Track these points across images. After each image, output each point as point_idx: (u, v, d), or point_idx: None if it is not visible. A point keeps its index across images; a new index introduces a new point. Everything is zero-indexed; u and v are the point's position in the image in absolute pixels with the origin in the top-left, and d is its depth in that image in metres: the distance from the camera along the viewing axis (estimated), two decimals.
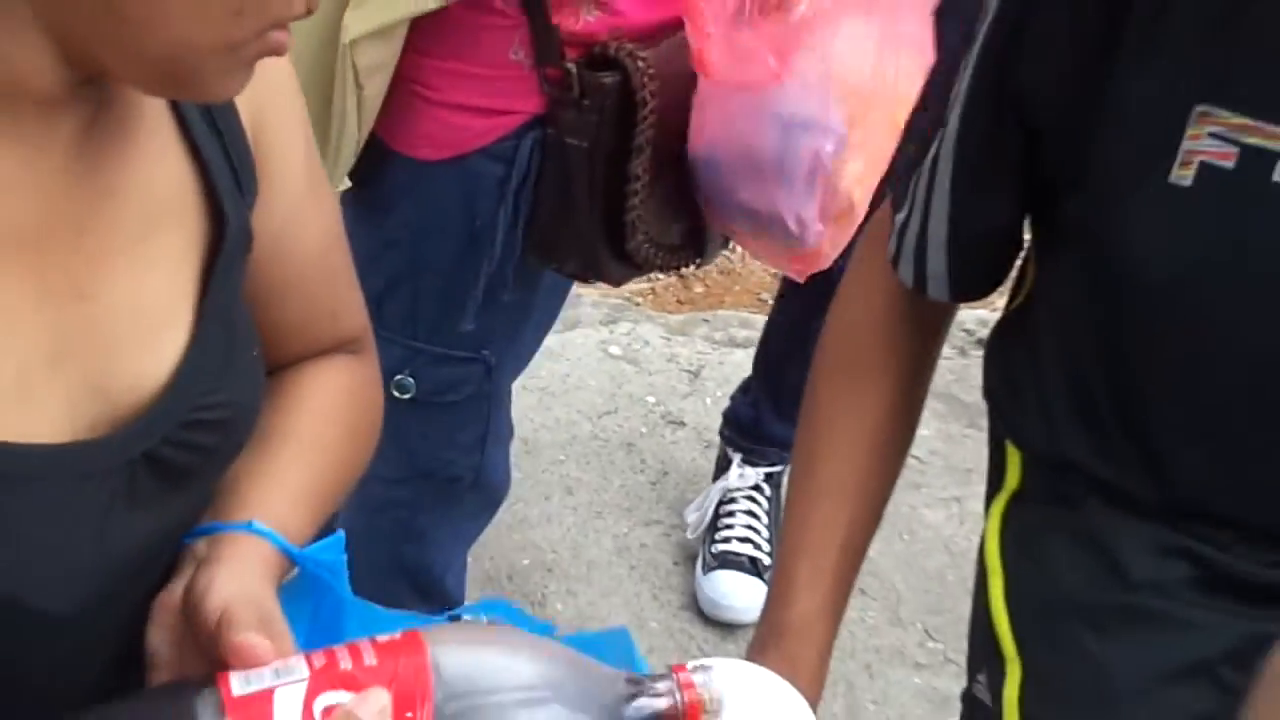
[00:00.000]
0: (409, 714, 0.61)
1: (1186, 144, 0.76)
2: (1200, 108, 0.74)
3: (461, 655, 0.65)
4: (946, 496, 1.70)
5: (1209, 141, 0.76)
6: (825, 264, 1.16)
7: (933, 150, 0.85)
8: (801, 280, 1.23)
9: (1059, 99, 0.80)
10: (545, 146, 1.10)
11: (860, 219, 1.13)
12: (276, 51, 0.62)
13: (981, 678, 0.92)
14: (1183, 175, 0.76)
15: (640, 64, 1.06)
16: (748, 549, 1.68)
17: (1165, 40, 0.75)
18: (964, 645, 0.95)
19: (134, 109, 0.68)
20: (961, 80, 0.84)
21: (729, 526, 1.69)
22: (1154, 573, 0.85)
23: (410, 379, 1.11)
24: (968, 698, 0.94)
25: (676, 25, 1.10)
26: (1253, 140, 0.75)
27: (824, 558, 0.92)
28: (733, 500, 1.68)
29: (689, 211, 1.15)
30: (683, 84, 1.10)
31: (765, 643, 0.90)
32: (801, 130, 1.11)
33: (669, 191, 1.12)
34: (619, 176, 1.09)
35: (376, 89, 1.04)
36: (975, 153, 0.85)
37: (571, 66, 1.06)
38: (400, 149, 1.09)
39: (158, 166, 0.69)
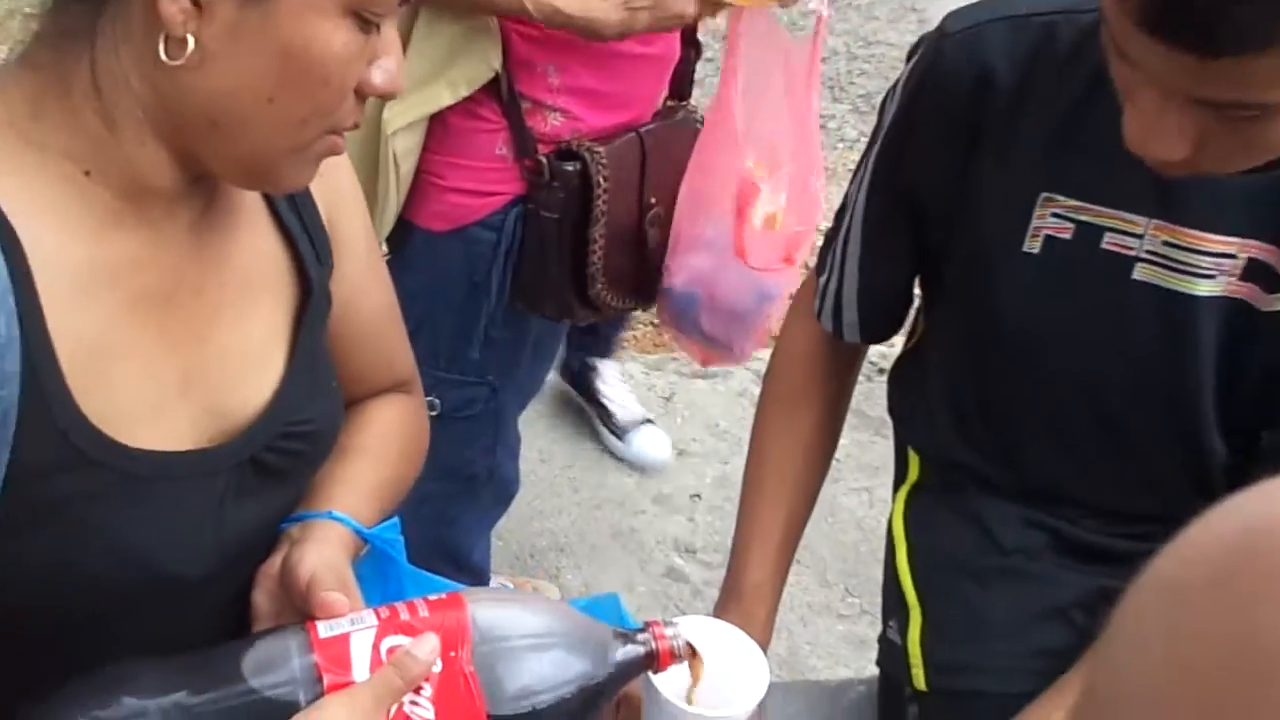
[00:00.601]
0: (452, 653, 0.74)
1: (1035, 222, 0.92)
2: (1045, 194, 0.91)
3: (491, 610, 0.79)
4: (859, 487, 2.03)
5: (1051, 220, 0.92)
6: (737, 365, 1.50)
7: (843, 228, 1.03)
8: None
9: (939, 190, 0.97)
10: (526, 219, 1.33)
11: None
12: (334, 152, 0.78)
13: (893, 623, 1.08)
14: (1033, 246, 0.93)
15: (596, 156, 1.29)
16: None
17: (1016, 145, 0.92)
18: (877, 600, 1.13)
19: (236, 199, 0.83)
20: (864, 174, 1.01)
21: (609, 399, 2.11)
22: (1019, 541, 1.02)
23: (436, 400, 1.29)
24: (882, 639, 1.09)
25: (624, 128, 1.32)
26: (1085, 218, 0.91)
27: (770, 540, 1.08)
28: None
29: (636, 271, 1.37)
30: (629, 172, 1.31)
31: (726, 603, 1.06)
32: (771, 299, 1.38)
33: (621, 253, 1.34)
34: (582, 241, 1.31)
35: (408, 169, 1.27)
36: (876, 232, 1.01)
37: (544, 159, 1.28)
38: (418, 223, 1.32)
39: (256, 243, 0.85)
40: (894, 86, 0.97)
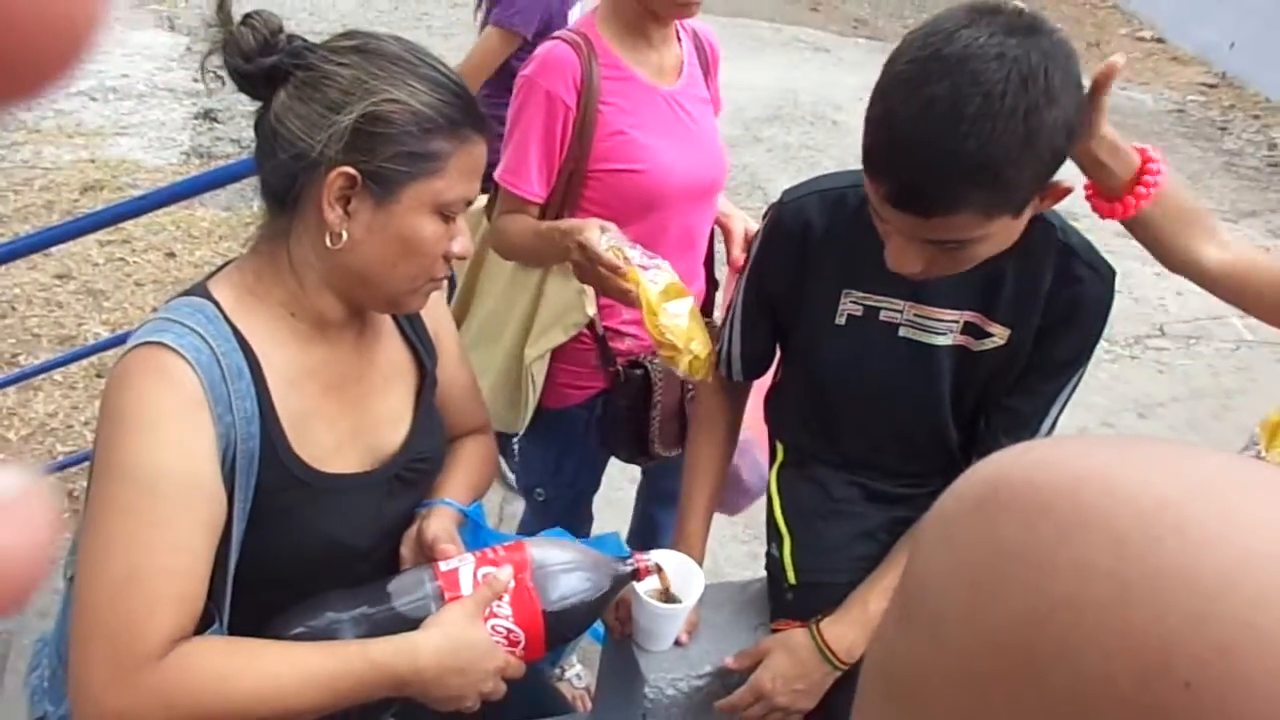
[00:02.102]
0: (520, 576, 1.03)
1: (840, 305, 1.24)
2: (845, 289, 1.23)
3: (540, 550, 1.08)
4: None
5: (849, 304, 1.24)
6: None
7: (729, 316, 1.35)
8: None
9: (783, 293, 1.28)
10: (608, 404, 1.73)
11: None
12: (436, 288, 1.07)
13: (774, 545, 1.38)
14: (840, 320, 1.25)
15: (653, 365, 1.68)
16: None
17: (827, 263, 1.23)
18: (763, 531, 1.42)
19: (379, 322, 1.12)
20: (741, 284, 1.33)
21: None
22: (843, 493, 1.34)
23: (541, 490, 1.80)
24: (768, 555, 1.40)
25: None
26: (869, 302, 1.23)
27: (700, 504, 1.40)
28: None
29: (680, 433, 1.75)
30: (676, 375, 1.60)
31: (677, 542, 1.38)
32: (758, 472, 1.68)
33: (671, 424, 1.74)
34: (645, 420, 1.70)
35: (540, 378, 1.66)
36: (749, 320, 1.34)
37: (620, 367, 1.69)
38: (544, 405, 1.72)
39: (392, 348, 1.14)
40: (757, 234, 1.32)
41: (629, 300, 1.39)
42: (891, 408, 1.28)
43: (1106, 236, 4.45)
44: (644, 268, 1.37)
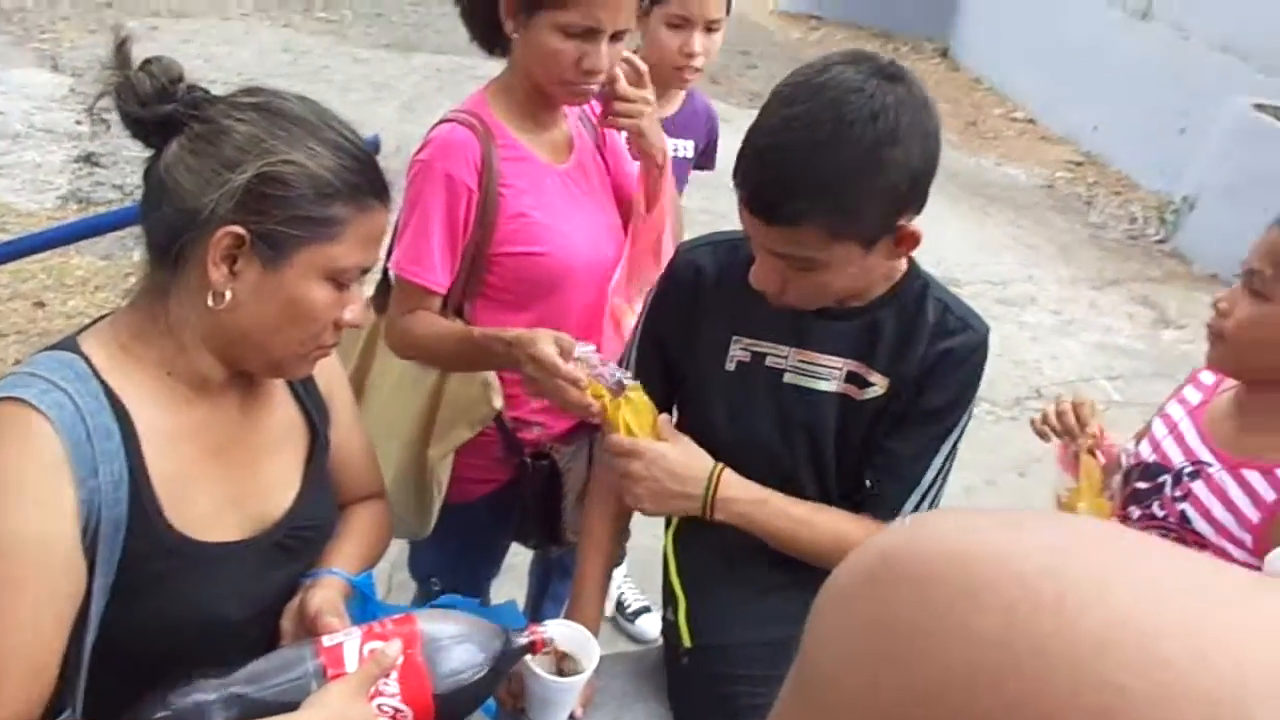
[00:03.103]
0: (410, 650, 0.98)
1: (731, 351, 1.27)
2: (735, 336, 1.26)
3: (431, 623, 1.03)
4: (645, 526, 2.29)
5: (738, 350, 1.27)
6: None
7: (626, 362, 1.35)
8: None
9: (676, 339, 1.31)
10: (516, 496, 1.68)
11: None
12: (324, 356, 1.05)
13: (669, 609, 1.39)
14: (730, 366, 1.28)
15: (559, 455, 1.65)
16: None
17: (718, 311, 1.26)
18: (659, 593, 1.44)
19: (267, 382, 1.08)
20: (637, 333, 1.35)
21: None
22: (736, 551, 1.31)
23: (436, 580, 1.72)
24: (664, 620, 1.41)
25: (578, 429, 1.65)
26: (757, 349, 1.26)
27: (595, 573, 1.41)
28: None
29: None
30: (582, 459, 1.65)
31: (572, 611, 1.37)
32: None
33: (579, 510, 1.66)
34: (556, 509, 1.67)
35: (444, 479, 1.60)
36: (643, 369, 1.34)
37: (527, 458, 1.65)
38: (446, 500, 1.65)
39: (281, 410, 1.11)
40: (653, 286, 1.35)
41: (589, 414, 1.30)
42: (779, 455, 1.30)
43: (987, 304, 4.68)
44: (614, 392, 1.28)
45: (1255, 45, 7.05)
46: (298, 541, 1.10)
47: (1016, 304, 4.66)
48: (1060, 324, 4.64)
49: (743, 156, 1.10)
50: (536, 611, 2.10)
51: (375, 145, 2.33)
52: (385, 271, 1.60)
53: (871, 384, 1.26)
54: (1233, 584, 0.26)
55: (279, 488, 1.09)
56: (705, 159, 2.19)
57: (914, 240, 1.13)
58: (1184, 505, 1.32)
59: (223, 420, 1.04)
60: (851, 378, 1.26)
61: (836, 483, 1.32)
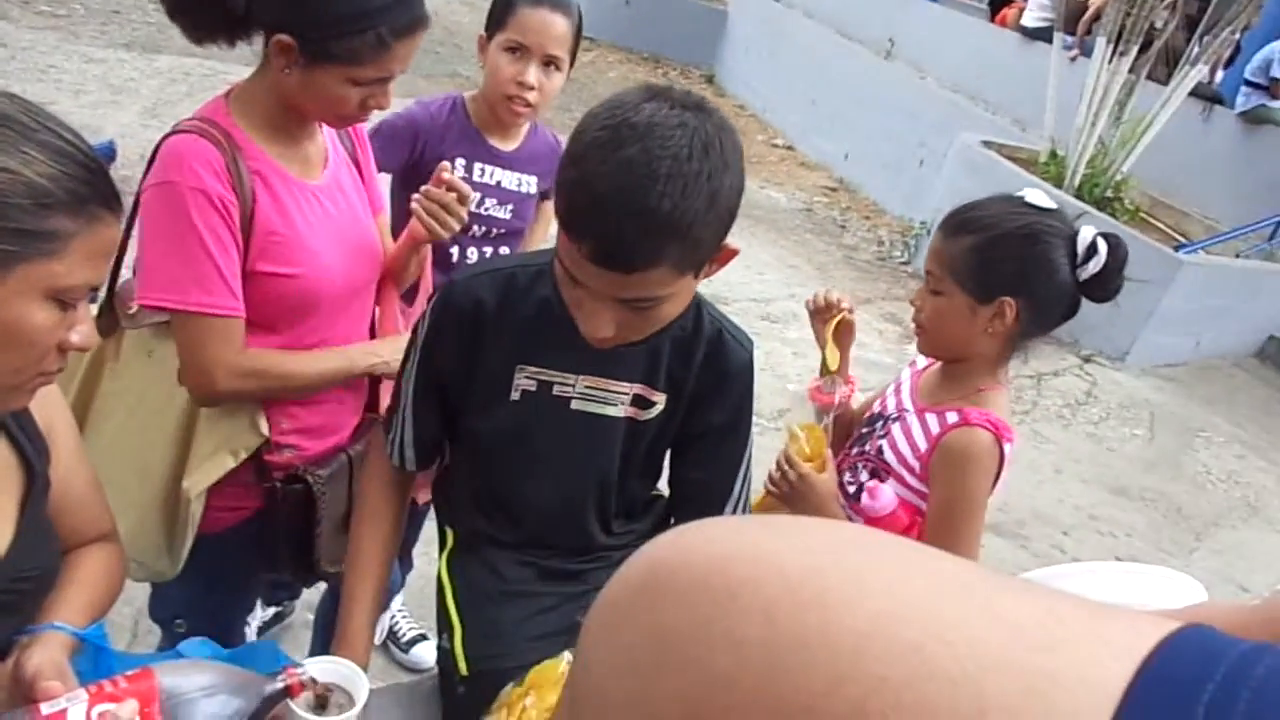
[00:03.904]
0: (147, 710, 0.90)
1: (516, 381, 1.26)
2: (520, 365, 1.25)
3: (171, 676, 0.95)
4: (420, 553, 2.33)
5: (523, 380, 1.26)
6: None
7: (400, 403, 1.32)
8: None
9: (456, 371, 1.28)
10: (265, 524, 1.54)
11: None
12: (46, 383, 0.95)
13: (444, 637, 1.34)
14: (515, 395, 1.26)
15: (315, 478, 1.52)
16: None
17: (500, 340, 1.24)
18: (434, 621, 1.39)
19: None
20: (411, 368, 1.30)
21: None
22: (516, 574, 1.33)
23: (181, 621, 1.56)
24: (439, 649, 1.36)
25: (336, 450, 1.56)
26: (542, 377, 1.26)
27: (365, 602, 1.34)
28: None
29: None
30: (340, 483, 1.55)
31: (340, 644, 1.30)
32: None
33: (336, 538, 1.57)
34: (309, 537, 1.54)
35: (198, 514, 1.45)
36: (419, 405, 1.31)
37: (277, 483, 1.51)
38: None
39: None
40: (423, 316, 1.30)
41: None
42: (562, 480, 1.31)
43: (752, 320, 4.90)
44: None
45: (981, 88, 7.86)
46: (12, 596, 0.99)
47: (780, 320, 4.92)
48: None
49: (582, 208, 1.03)
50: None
51: (110, 152, 2.13)
52: (110, 290, 1.46)
53: (654, 403, 1.28)
54: (969, 579, 0.28)
55: None
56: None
57: (731, 256, 1.15)
58: (882, 442, 1.56)
59: None
60: (637, 400, 1.28)
61: (615, 503, 1.34)
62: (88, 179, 0.91)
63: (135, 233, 1.37)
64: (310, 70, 1.33)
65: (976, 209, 1.46)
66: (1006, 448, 1.44)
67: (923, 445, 1.50)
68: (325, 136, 1.52)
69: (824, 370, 1.67)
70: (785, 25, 9.44)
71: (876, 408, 1.66)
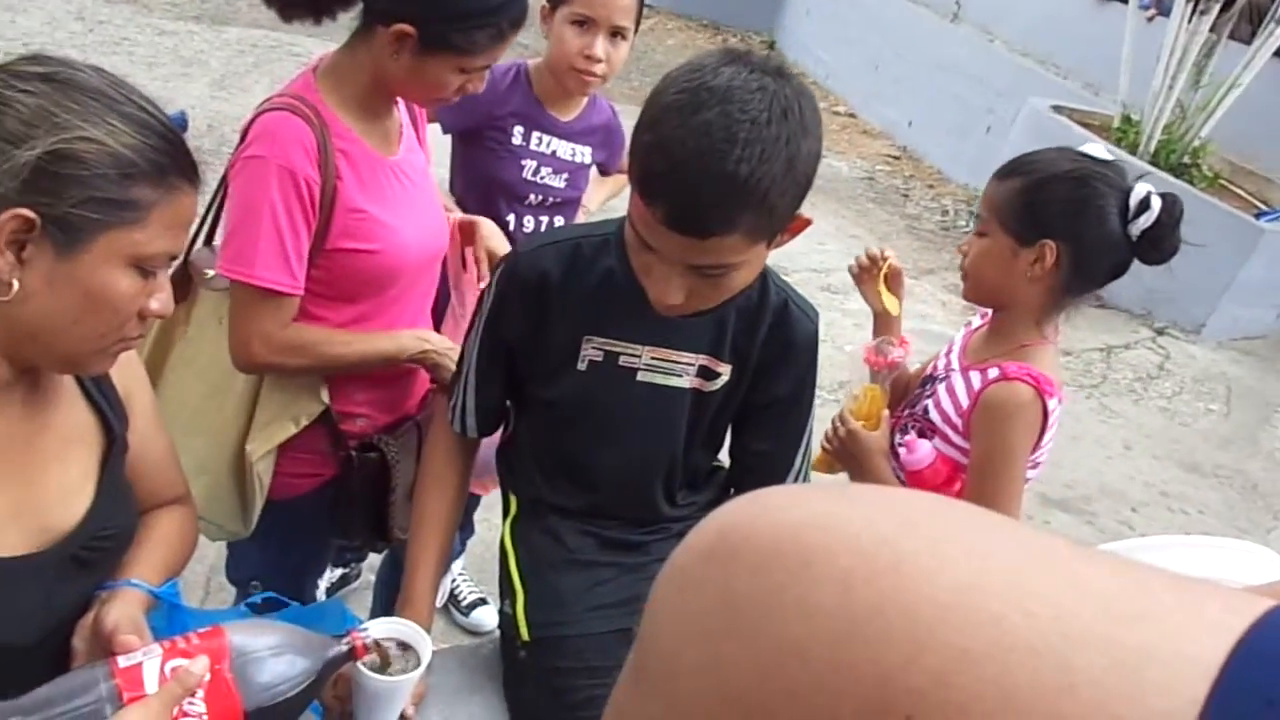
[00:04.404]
0: (217, 666, 0.92)
1: (583, 351, 1.27)
2: (587, 336, 1.26)
3: (242, 634, 0.97)
4: (479, 518, 2.41)
5: (590, 350, 1.27)
6: None
7: (463, 369, 1.34)
8: None
9: (524, 341, 1.29)
10: (340, 491, 1.59)
11: None
12: (127, 349, 0.98)
13: (506, 602, 1.37)
14: (581, 365, 1.27)
15: (388, 446, 1.57)
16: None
17: (567, 310, 1.25)
18: (495, 586, 1.43)
19: (56, 381, 1.00)
20: (476, 337, 1.32)
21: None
22: (577, 543, 1.35)
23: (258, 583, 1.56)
24: (500, 613, 1.39)
25: (405, 418, 1.60)
26: (609, 348, 1.27)
27: (428, 564, 1.36)
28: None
29: None
30: (411, 451, 1.58)
31: (404, 606, 1.32)
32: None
33: (409, 509, 1.52)
34: (384, 504, 1.58)
35: (268, 476, 1.49)
36: (483, 373, 1.33)
37: (352, 451, 1.56)
38: (268, 497, 1.54)
39: (72, 410, 1.03)
40: (488, 286, 1.31)
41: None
42: (628, 450, 1.32)
43: (813, 291, 4.84)
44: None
45: (1052, 51, 7.61)
46: (94, 553, 1.02)
47: (841, 291, 4.86)
48: None
49: (659, 172, 1.02)
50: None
51: (182, 123, 2.17)
52: (186, 260, 1.50)
53: (719, 374, 1.28)
54: (1053, 549, 0.27)
55: (70, 496, 1.01)
56: (610, 162, 2.14)
57: (804, 225, 1.14)
58: (928, 402, 1.57)
59: (4, 424, 0.95)
60: (703, 371, 1.28)
61: (680, 474, 1.35)
62: (168, 150, 0.93)
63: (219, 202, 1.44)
64: (421, 57, 1.37)
65: (1031, 155, 1.47)
66: (1051, 404, 1.43)
67: (965, 402, 1.50)
68: (399, 111, 1.55)
69: (878, 330, 1.70)
70: None
71: (929, 370, 1.67)
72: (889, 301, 1.68)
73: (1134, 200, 1.41)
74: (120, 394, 1.09)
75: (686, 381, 1.28)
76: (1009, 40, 7.96)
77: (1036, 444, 1.44)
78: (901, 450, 1.54)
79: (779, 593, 0.28)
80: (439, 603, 2.24)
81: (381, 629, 1.15)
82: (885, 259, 1.70)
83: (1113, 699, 0.23)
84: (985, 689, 0.24)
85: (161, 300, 0.96)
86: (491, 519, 1.50)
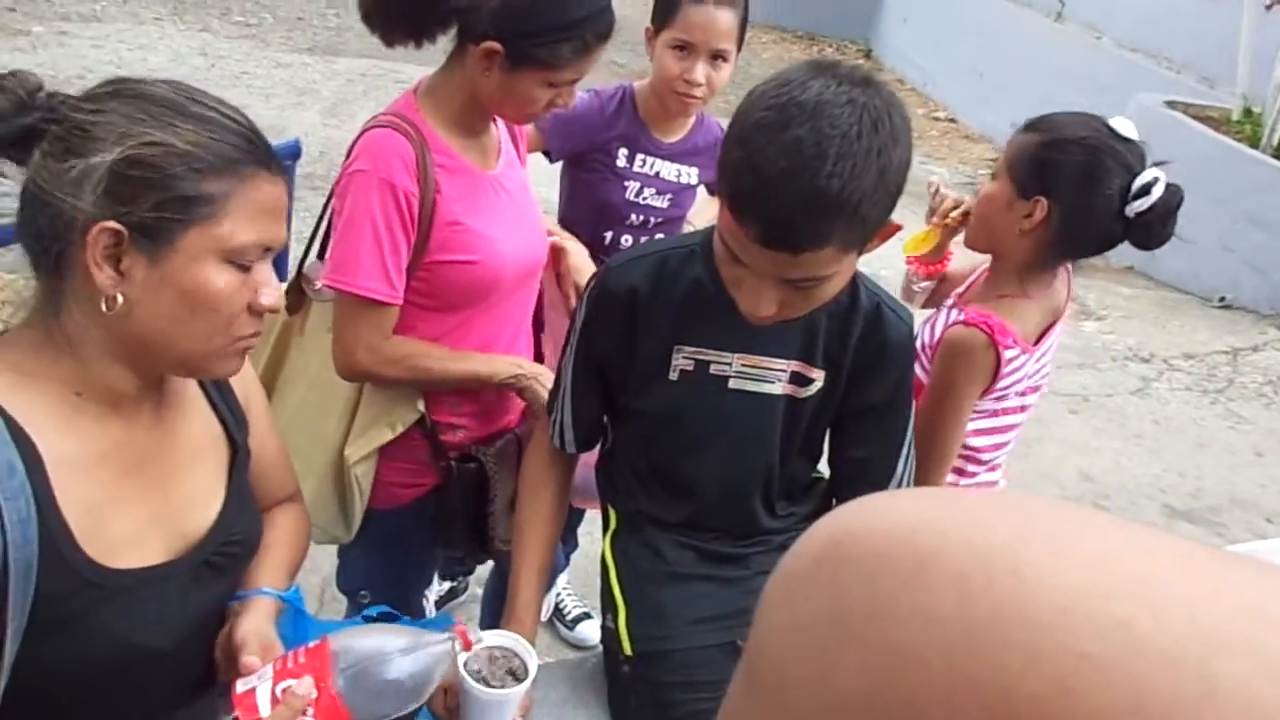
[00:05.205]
0: (323, 683, 0.91)
1: (674, 361, 1.27)
2: (677, 346, 1.27)
3: (346, 643, 0.97)
4: (582, 532, 2.38)
5: (681, 360, 1.27)
6: None
7: (560, 387, 1.36)
8: None
9: (616, 355, 1.30)
10: (441, 501, 1.62)
11: None
12: (247, 347, 0.99)
13: (609, 617, 1.37)
14: (673, 375, 1.28)
15: (486, 456, 1.60)
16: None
17: (656, 322, 1.26)
18: (598, 600, 1.43)
19: (181, 393, 1.03)
20: (570, 354, 1.34)
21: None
22: (677, 556, 1.34)
23: (366, 593, 1.64)
24: (603, 628, 1.39)
25: (504, 431, 1.63)
26: (699, 357, 1.27)
27: (531, 577, 1.37)
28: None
29: None
30: (510, 463, 1.60)
31: (508, 619, 1.34)
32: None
33: (509, 520, 1.59)
34: (483, 515, 1.61)
35: (367, 481, 1.54)
36: (579, 388, 1.34)
37: (452, 462, 1.60)
38: (372, 506, 1.59)
39: (197, 420, 1.06)
40: (580, 303, 1.33)
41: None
42: (724, 459, 1.31)
43: (893, 291, 4.70)
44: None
45: (1163, 45, 7.31)
46: (225, 559, 1.05)
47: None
48: None
49: (750, 190, 1.02)
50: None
51: (296, 150, 2.28)
52: (299, 272, 1.56)
53: (812, 380, 1.27)
54: (1187, 551, 0.26)
55: (201, 503, 1.04)
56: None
57: (894, 232, 1.13)
58: (925, 326, 1.64)
59: (138, 437, 0.98)
60: (795, 378, 1.27)
61: (778, 484, 1.33)
62: (234, 141, 0.93)
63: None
64: (511, 73, 1.41)
65: (1057, 115, 1.52)
66: (1007, 354, 1.50)
67: (935, 337, 1.59)
68: (498, 127, 1.59)
69: (908, 248, 1.79)
70: None
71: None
72: (932, 235, 1.75)
73: (1139, 182, 1.44)
74: (240, 401, 1.13)
75: (779, 388, 1.27)
76: (1117, 36, 7.67)
77: (989, 388, 1.52)
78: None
79: (892, 599, 0.27)
80: (544, 617, 2.28)
81: (488, 642, 1.17)
82: (961, 208, 1.73)
83: (1257, 707, 0.22)
84: (1113, 697, 0.23)
85: (269, 294, 0.97)
86: (595, 533, 1.52)
